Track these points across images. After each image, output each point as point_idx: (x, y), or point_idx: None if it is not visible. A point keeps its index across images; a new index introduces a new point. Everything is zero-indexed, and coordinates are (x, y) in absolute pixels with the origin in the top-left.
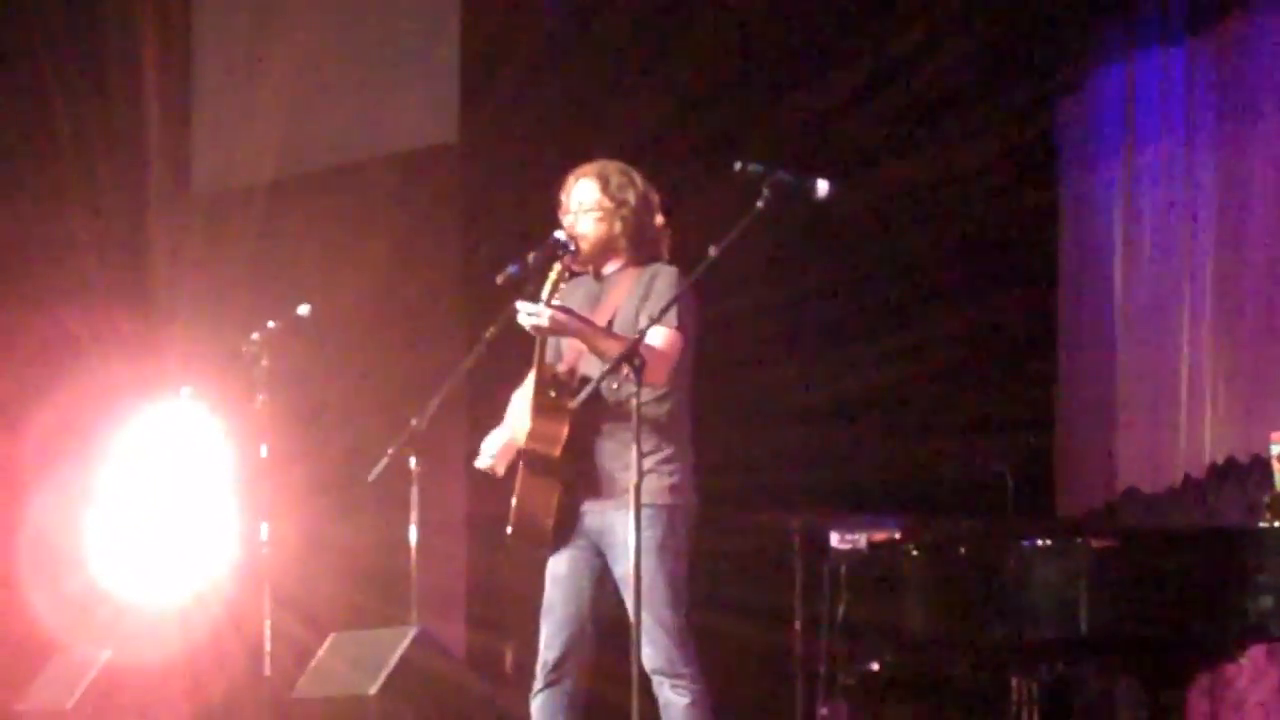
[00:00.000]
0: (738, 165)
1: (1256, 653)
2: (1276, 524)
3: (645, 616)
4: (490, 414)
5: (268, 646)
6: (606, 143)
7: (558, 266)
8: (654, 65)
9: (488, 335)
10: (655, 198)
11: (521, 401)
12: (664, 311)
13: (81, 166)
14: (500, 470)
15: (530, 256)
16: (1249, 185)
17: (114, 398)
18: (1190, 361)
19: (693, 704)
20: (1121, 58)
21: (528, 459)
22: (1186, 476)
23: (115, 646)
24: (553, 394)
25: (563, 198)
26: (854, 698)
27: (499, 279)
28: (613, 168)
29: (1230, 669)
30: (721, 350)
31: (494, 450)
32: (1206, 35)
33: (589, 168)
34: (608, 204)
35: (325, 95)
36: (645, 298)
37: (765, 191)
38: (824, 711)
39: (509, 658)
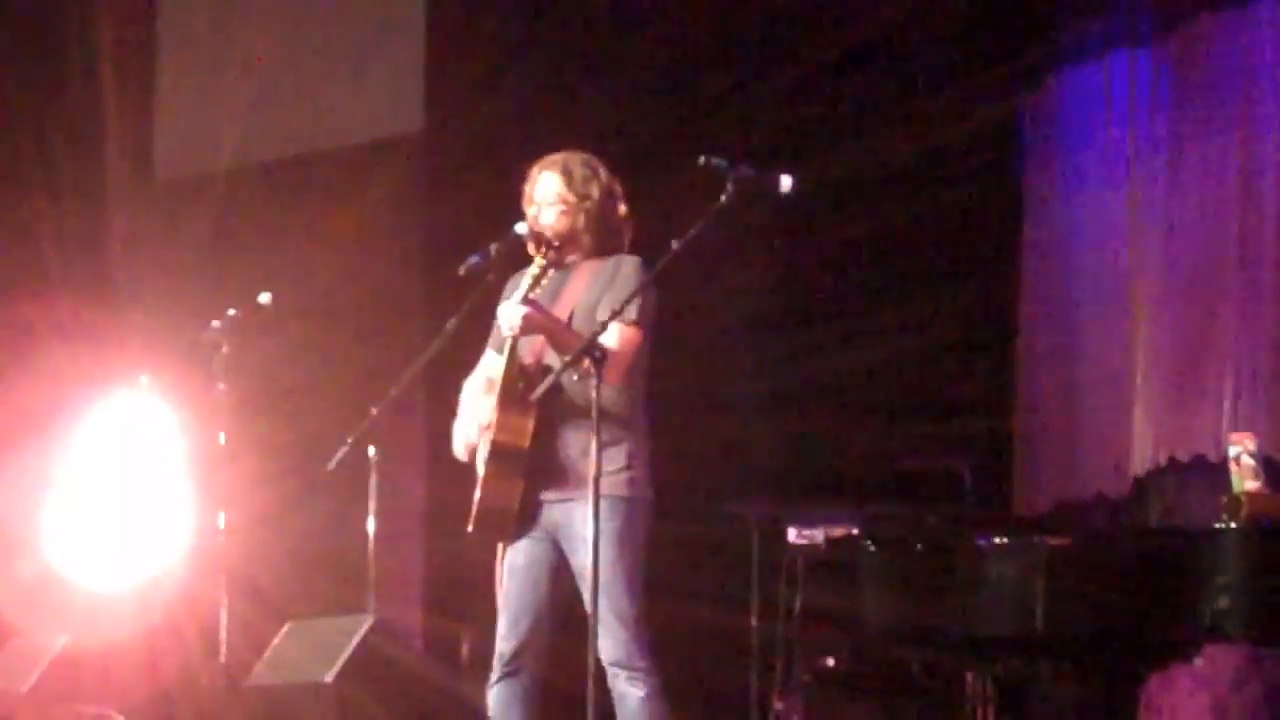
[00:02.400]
0: (701, 159)
1: (1209, 652)
2: (1233, 524)
3: (602, 608)
4: (449, 405)
5: (224, 633)
6: (570, 133)
7: (539, 262)
8: (617, 55)
9: (449, 326)
10: (619, 188)
11: (475, 390)
12: (624, 305)
13: (41, 153)
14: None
15: (492, 247)
16: (1209, 185)
17: (73, 385)
18: (1147, 359)
19: (648, 696)
20: (1087, 58)
21: (495, 450)
22: (1143, 474)
23: (72, 631)
24: (521, 386)
25: (526, 189)
26: (810, 692)
27: (460, 269)
28: (576, 160)
29: (1180, 669)
30: (680, 341)
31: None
32: (1172, 38)
33: (553, 160)
34: (571, 198)
35: (288, 84)
36: (608, 287)
37: (729, 186)
38: (780, 705)
39: (466, 646)
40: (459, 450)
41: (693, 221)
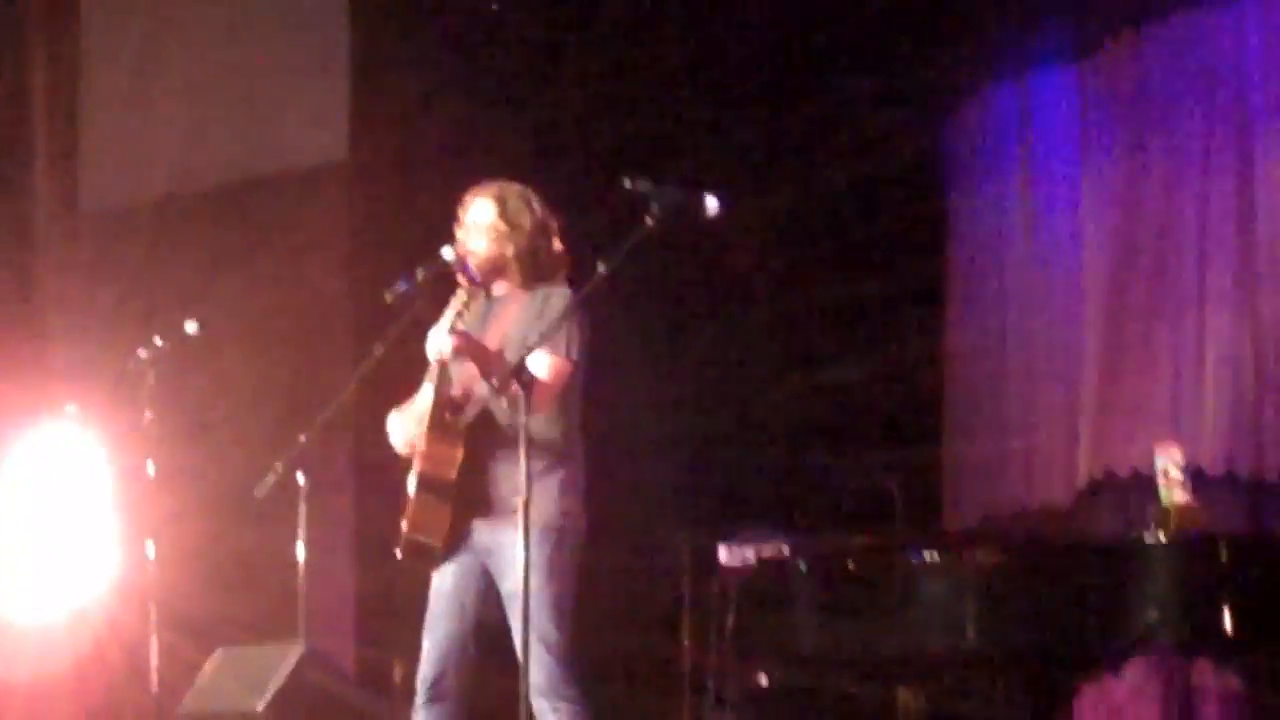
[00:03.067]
0: (627, 182)
1: (1139, 665)
2: (1161, 536)
3: (530, 636)
4: (378, 430)
5: (154, 663)
6: (496, 159)
7: (462, 293)
8: (544, 82)
9: (376, 352)
10: (554, 224)
11: (403, 420)
12: (546, 337)
13: None
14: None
15: (419, 272)
16: (1131, 201)
17: None
18: (1074, 376)
19: None
20: (1011, 76)
21: (422, 480)
22: (1070, 490)
23: None
24: (448, 416)
25: (459, 212)
26: (742, 712)
27: (388, 296)
28: (512, 190)
29: (1111, 682)
30: (610, 368)
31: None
32: (1097, 56)
33: (488, 187)
34: (502, 226)
35: (214, 113)
36: (537, 320)
37: (654, 208)
38: None
39: (397, 673)
40: (397, 444)
41: (619, 246)
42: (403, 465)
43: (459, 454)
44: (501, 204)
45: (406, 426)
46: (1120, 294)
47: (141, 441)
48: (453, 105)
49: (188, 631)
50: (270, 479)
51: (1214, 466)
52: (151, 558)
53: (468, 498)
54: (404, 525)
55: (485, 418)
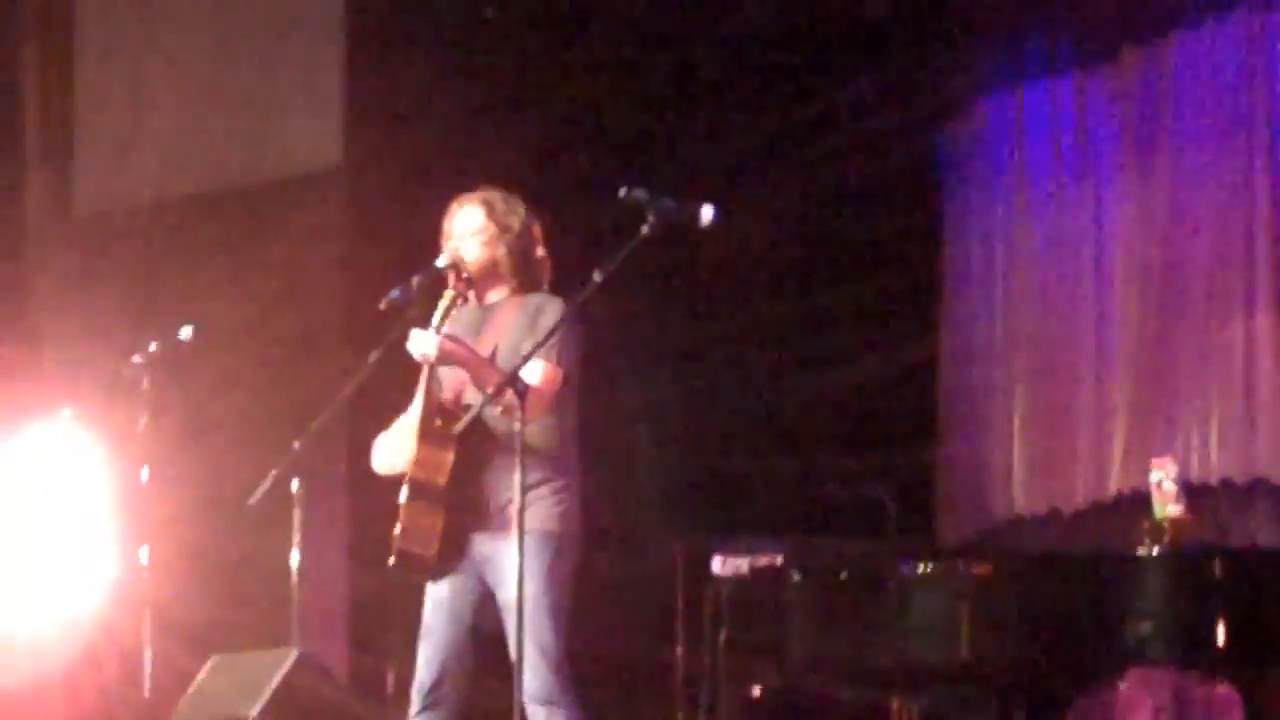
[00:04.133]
0: (622, 192)
1: (1133, 677)
2: (1155, 549)
3: (526, 643)
4: (372, 437)
5: (147, 669)
6: (491, 167)
7: (449, 294)
8: (539, 86)
9: (371, 359)
10: (538, 229)
11: (387, 440)
12: (540, 345)
13: None
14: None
15: (414, 281)
16: (1129, 213)
17: None
18: (1069, 386)
19: None
20: (1006, 85)
21: (412, 486)
22: (1065, 500)
23: None
24: (439, 422)
25: (446, 224)
26: None
27: (382, 303)
28: (497, 195)
29: (1118, 699)
30: (604, 374)
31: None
32: (1092, 66)
33: (473, 195)
34: (493, 229)
35: (209, 117)
36: (531, 329)
37: (649, 218)
38: None
39: (391, 680)
40: (377, 466)
41: (614, 255)
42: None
43: (450, 459)
44: (489, 207)
45: (389, 448)
46: (1115, 302)
47: (136, 447)
48: (448, 110)
49: (182, 637)
50: (265, 485)
51: (1215, 476)
52: (146, 563)
53: (462, 506)
54: (396, 537)
55: (478, 425)
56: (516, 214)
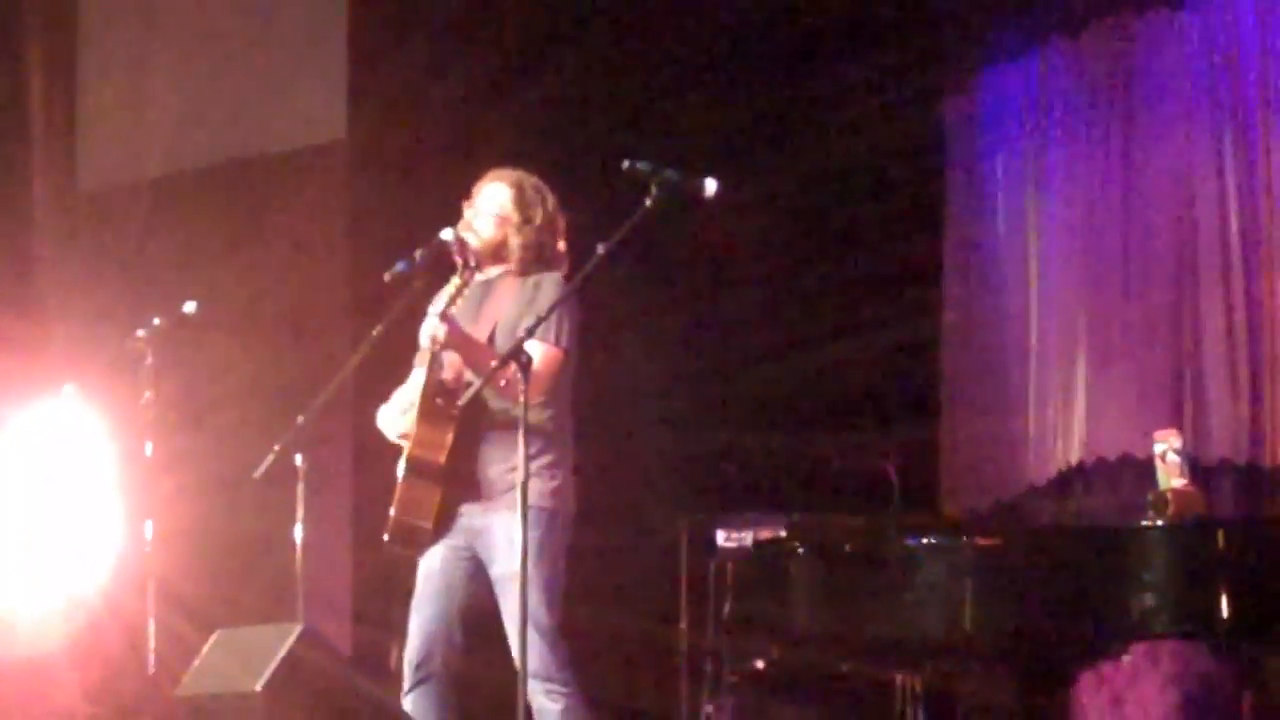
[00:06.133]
0: (625, 164)
1: (1137, 651)
2: (1158, 522)
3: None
4: (376, 411)
5: (151, 644)
6: (494, 141)
7: (457, 280)
8: (542, 62)
9: (375, 333)
10: (562, 222)
11: (391, 411)
12: (539, 323)
13: None
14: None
15: (418, 253)
16: (1134, 185)
17: None
18: (1072, 359)
19: (566, 710)
20: (1010, 56)
21: (411, 463)
22: (1068, 473)
23: None
24: (440, 401)
25: (474, 190)
26: (740, 695)
27: (386, 276)
28: (530, 182)
29: (1122, 671)
30: (606, 350)
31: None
32: (1096, 36)
33: (508, 173)
34: (514, 216)
35: (213, 92)
36: (530, 306)
37: (653, 190)
38: (710, 709)
39: (394, 655)
40: (391, 436)
41: (617, 229)
42: (400, 448)
43: (449, 438)
44: (518, 192)
45: (396, 417)
46: (1119, 276)
47: (140, 422)
48: (451, 85)
49: (186, 612)
50: (269, 460)
51: (1213, 451)
52: (150, 538)
53: (457, 480)
54: (393, 510)
55: (475, 400)
56: (543, 206)
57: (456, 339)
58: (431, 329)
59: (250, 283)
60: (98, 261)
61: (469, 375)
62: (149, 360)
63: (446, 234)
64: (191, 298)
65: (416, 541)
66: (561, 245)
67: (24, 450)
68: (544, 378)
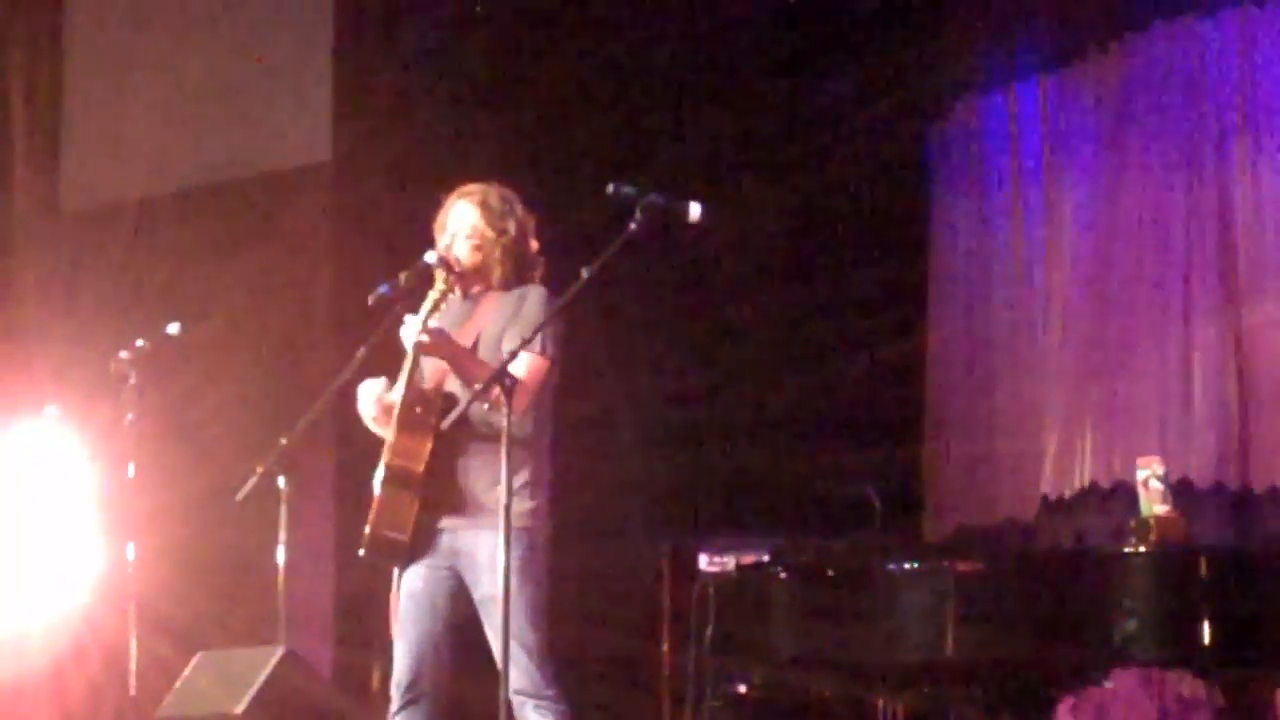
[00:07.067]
0: (610, 188)
1: (1130, 680)
2: (1141, 547)
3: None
4: (359, 434)
5: (133, 665)
6: (478, 162)
7: (440, 287)
8: (526, 85)
9: (358, 355)
10: (531, 223)
11: (372, 390)
12: (533, 335)
13: None
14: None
15: (401, 276)
16: (1118, 210)
17: None
18: (1056, 384)
19: None
20: (996, 84)
21: (389, 472)
22: (1050, 497)
23: None
24: (419, 410)
25: (440, 216)
26: (722, 719)
27: (370, 299)
28: (495, 194)
29: (1105, 696)
30: (590, 370)
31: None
32: (1081, 65)
33: (471, 190)
34: (489, 233)
35: (197, 113)
36: (513, 319)
37: (637, 213)
38: None
39: (376, 676)
40: (365, 410)
41: (601, 250)
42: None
43: (427, 447)
44: (486, 207)
45: (381, 394)
46: (1103, 301)
47: (122, 442)
48: (435, 106)
49: (168, 633)
50: (251, 482)
51: (1198, 476)
52: (132, 559)
53: (437, 494)
54: (369, 521)
55: (459, 416)
56: (512, 214)
57: (442, 348)
58: (413, 331)
59: (234, 304)
60: (81, 282)
61: (449, 385)
62: (132, 381)
63: (430, 257)
64: (175, 319)
65: (393, 551)
66: (534, 245)
67: (5, 471)
68: (531, 387)
